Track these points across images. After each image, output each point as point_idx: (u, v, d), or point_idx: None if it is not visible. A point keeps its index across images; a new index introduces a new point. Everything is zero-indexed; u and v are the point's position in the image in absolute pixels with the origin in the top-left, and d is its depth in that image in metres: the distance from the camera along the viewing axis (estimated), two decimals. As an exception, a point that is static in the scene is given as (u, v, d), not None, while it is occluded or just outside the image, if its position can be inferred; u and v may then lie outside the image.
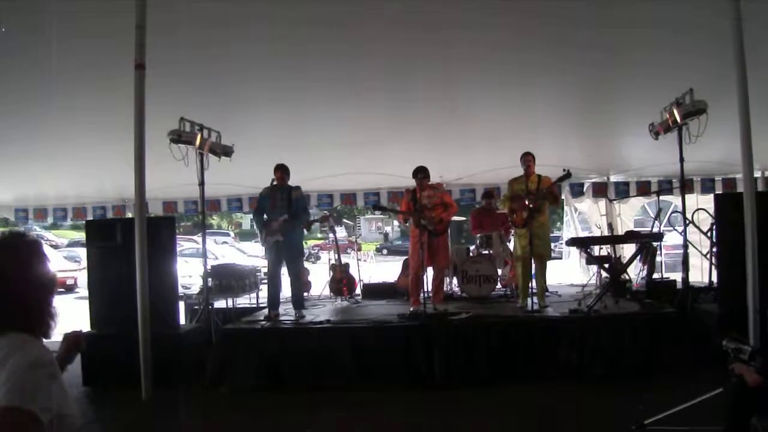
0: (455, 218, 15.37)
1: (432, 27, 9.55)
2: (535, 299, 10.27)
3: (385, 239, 52.41)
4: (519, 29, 9.68)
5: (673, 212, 14.50)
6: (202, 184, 10.79)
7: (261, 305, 12.12)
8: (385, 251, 49.12)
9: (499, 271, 12.60)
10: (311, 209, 13.33)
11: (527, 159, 10.50)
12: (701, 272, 12.50)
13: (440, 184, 11.70)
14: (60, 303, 2.72)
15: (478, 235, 13.35)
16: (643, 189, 14.66)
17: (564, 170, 10.15)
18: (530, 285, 10.52)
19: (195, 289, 17.12)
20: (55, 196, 15.69)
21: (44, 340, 2.58)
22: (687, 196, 11.14)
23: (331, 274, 13.58)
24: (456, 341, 9.46)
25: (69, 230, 49.96)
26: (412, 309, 10.69)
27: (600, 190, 14.99)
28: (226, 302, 12.17)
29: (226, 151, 11.17)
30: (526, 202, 10.25)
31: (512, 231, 11.62)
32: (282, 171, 10.71)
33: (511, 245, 12.80)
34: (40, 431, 2.29)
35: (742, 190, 7.82)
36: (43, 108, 10.50)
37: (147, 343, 8.40)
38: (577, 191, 15.16)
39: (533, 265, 10.60)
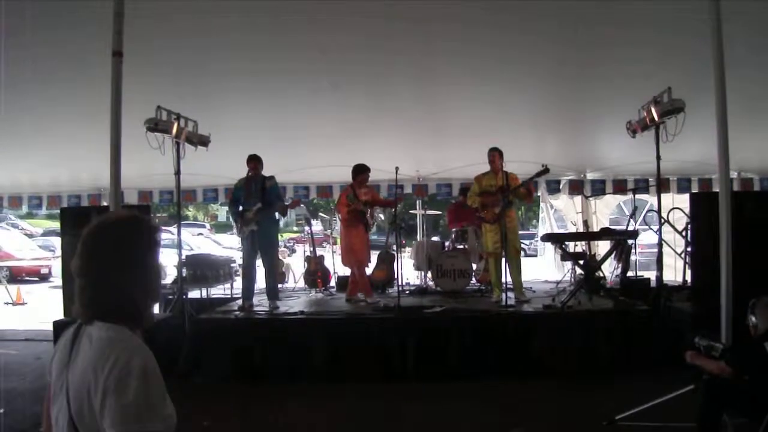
0: (431, 212, 15.50)
1: (411, 21, 9.51)
2: (510, 294, 10.33)
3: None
4: (498, 24, 9.65)
5: (648, 211, 14.58)
6: (178, 173, 10.72)
7: (235, 296, 12.10)
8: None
9: (474, 266, 12.62)
10: (287, 201, 13.28)
11: (492, 155, 10.56)
12: (675, 271, 12.57)
13: None
14: (35, 292, 2.59)
15: (454, 229, 13.40)
16: (619, 187, 14.73)
17: (542, 165, 10.19)
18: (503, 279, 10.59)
19: (169, 279, 17.06)
20: (30, 184, 15.58)
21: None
22: (663, 196, 11.19)
23: (306, 266, 13.57)
24: (429, 334, 9.49)
25: (44, 219, 49.62)
26: (368, 300, 11.26)
27: (576, 188, 15.02)
28: (201, 292, 12.14)
29: (203, 141, 11.11)
30: (500, 197, 10.29)
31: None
32: (255, 161, 10.70)
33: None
34: None
35: (717, 189, 7.84)
36: (18, 95, 10.36)
37: (119, 332, 8.32)
38: (554, 188, 15.17)
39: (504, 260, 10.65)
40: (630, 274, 12.50)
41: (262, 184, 10.65)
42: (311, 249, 13.84)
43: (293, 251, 32.69)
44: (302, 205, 14.49)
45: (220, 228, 53.09)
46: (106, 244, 2.34)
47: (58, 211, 13.11)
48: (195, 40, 9.76)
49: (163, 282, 16.48)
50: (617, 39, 9.79)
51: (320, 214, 22.40)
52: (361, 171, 11.37)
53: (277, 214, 11.01)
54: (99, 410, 2.12)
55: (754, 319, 5.88)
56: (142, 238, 2.40)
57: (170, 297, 11.29)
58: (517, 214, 11.45)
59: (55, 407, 2.31)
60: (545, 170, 10.28)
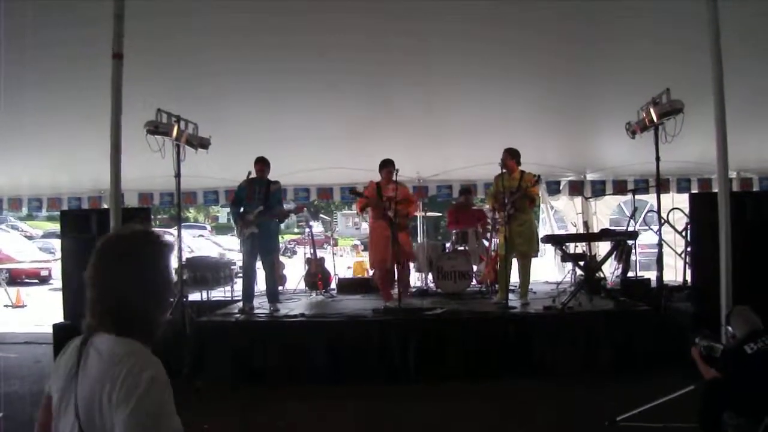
0: (431, 213, 15.47)
1: (410, 20, 9.53)
2: (512, 296, 10.36)
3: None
4: (496, 23, 9.67)
5: (648, 211, 14.58)
6: (178, 176, 10.70)
7: (236, 298, 12.08)
8: (361, 247, 48.92)
9: (474, 268, 12.63)
10: (288, 204, 13.28)
11: (503, 156, 10.47)
12: (675, 271, 12.57)
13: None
14: (34, 294, 2.58)
15: (454, 231, 13.39)
16: (619, 188, 14.72)
17: (535, 176, 10.24)
18: (508, 282, 10.57)
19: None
20: (30, 186, 15.55)
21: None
22: (663, 196, 11.18)
23: (307, 268, 13.57)
24: (430, 336, 9.48)
25: (44, 221, 49.64)
26: (387, 304, 10.76)
27: (576, 189, 15.02)
28: (201, 295, 12.12)
29: (203, 143, 11.10)
30: (506, 201, 10.27)
31: (489, 227, 11.73)
32: (262, 163, 10.73)
33: (486, 242, 12.92)
34: None
35: (717, 190, 7.85)
36: (18, 97, 10.37)
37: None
38: (554, 189, 15.16)
39: (512, 262, 10.65)
40: (630, 274, 12.50)
41: (266, 187, 10.67)
42: (312, 251, 13.84)
43: (294, 253, 32.70)
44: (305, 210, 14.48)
45: (221, 229, 53.14)
46: (120, 256, 2.38)
47: (59, 213, 13.09)
48: (195, 43, 9.78)
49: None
50: (616, 38, 9.82)
51: (321, 215, 22.43)
52: (382, 166, 11.23)
53: (277, 219, 11.01)
54: (110, 423, 2.14)
55: (730, 329, 5.92)
56: (154, 253, 2.45)
57: (170, 300, 11.27)
58: (533, 218, 11.29)
59: (62, 421, 2.31)
60: (537, 181, 10.34)
